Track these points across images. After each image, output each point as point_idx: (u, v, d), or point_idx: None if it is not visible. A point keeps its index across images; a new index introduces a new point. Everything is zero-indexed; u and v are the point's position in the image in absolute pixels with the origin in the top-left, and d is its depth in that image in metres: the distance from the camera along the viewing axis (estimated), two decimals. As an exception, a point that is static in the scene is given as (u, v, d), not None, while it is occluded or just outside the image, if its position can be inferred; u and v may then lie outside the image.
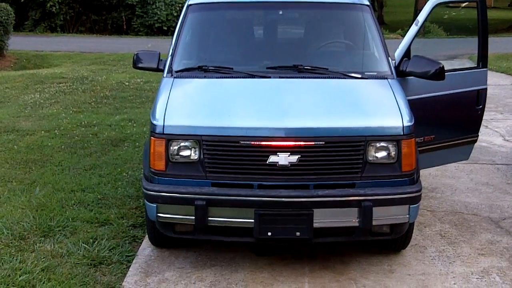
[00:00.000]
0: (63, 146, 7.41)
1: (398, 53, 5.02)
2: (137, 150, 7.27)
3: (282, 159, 3.94)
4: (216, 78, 4.59)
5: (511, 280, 4.28)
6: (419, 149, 4.67)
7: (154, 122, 4.12)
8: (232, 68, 4.67)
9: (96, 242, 4.71)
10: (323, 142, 3.97)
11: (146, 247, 4.72)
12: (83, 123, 8.67)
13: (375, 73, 4.69)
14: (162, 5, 26.06)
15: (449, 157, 5.66)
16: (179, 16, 5.27)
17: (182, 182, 4.04)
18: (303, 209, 3.96)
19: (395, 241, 4.52)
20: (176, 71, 4.71)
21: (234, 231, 4.14)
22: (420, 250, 4.75)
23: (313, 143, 3.97)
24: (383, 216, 4.03)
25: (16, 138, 7.80)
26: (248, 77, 4.56)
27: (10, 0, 23.09)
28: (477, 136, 5.63)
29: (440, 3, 5.12)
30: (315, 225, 3.98)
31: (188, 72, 4.71)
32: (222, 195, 3.97)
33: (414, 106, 4.40)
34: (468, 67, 5.59)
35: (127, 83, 12.32)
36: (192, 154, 4.04)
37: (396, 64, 4.92)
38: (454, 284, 4.23)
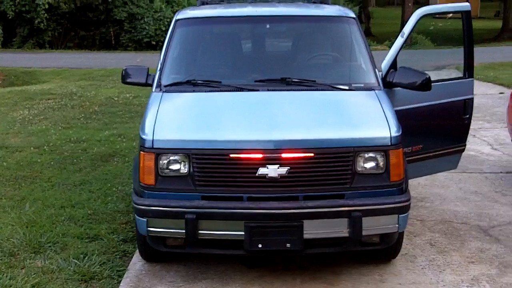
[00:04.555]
0: (52, 162, 7.40)
1: (385, 64, 5.06)
2: (127, 165, 7.27)
3: (272, 171, 3.95)
4: (205, 92, 4.61)
5: (501, 288, 4.32)
6: (407, 159, 4.70)
7: (144, 136, 4.14)
8: (220, 82, 4.70)
9: (86, 258, 4.70)
10: (312, 154, 4.00)
11: (136, 262, 4.71)
12: (72, 139, 8.66)
13: (362, 85, 4.73)
14: (151, 20, 26.12)
15: (437, 167, 5.69)
16: (167, 31, 5.30)
17: (172, 196, 4.05)
18: (293, 220, 3.98)
19: (385, 250, 4.54)
20: (165, 86, 4.73)
21: (224, 243, 4.15)
22: (411, 259, 4.77)
23: (302, 155, 3.99)
24: (372, 226, 4.06)
25: (5, 154, 7.78)
26: (236, 91, 4.59)
27: (-2, 17, 23.09)
28: (465, 145, 5.67)
29: (426, 14, 5.18)
30: (305, 236, 4.00)
31: (177, 86, 4.73)
32: (212, 208, 3.98)
33: (402, 117, 4.43)
34: (455, 77, 5.63)
35: (116, 98, 12.32)
36: (181, 168, 4.05)
37: (383, 75, 4.96)
38: (445, 292, 4.26)
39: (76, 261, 4.64)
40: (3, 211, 5.68)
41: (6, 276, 4.38)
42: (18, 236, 5.06)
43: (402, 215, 4.10)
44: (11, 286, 4.23)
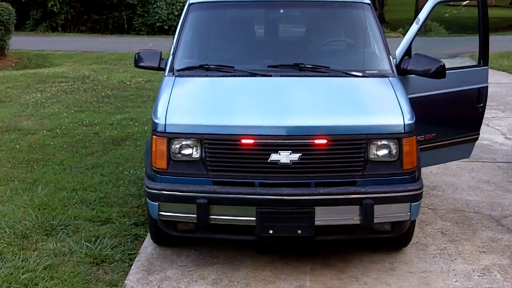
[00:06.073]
0: (64, 145, 7.42)
1: (399, 51, 5.03)
2: (139, 149, 7.29)
3: (284, 157, 3.94)
4: (218, 76, 4.60)
5: (512, 278, 4.30)
6: (420, 147, 4.68)
7: (156, 120, 4.13)
8: (233, 67, 4.68)
9: (98, 241, 4.72)
10: (325, 140, 3.98)
11: (148, 246, 4.73)
12: (84, 122, 8.69)
13: (376, 72, 4.70)
14: (163, 4, 26.08)
15: (450, 155, 5.66)
16: (180, 15, 5.28)
17: (184, 181, 4.05)
18: (304, 207, 3.97)
19: (396, 239, 4.53)
20: (178, 70, 4.72)
21: (235, 229, 4.15)
22: (422, 248, 4.76)
23: (314, 141, 3.97)
24: (384, 214, 4.04)
25: (18, 137, 7.81)
26: (249, 76, 4.57)
27: (11, 0, 23.12)
28: (478, 134, 5.64)
29: (441, 1, 5.12)
30: (317, 223, 3.99)
31: (190, 70, 4.72)
32: (224, 193, 3.98)
33: (415, 104, 4.40)
34: (469, 65, 5.59)
35: (128, 82, 12.34)
36: (193, 152, 4.05)
37: (397, 62, 4.93)
38: (456, 281, 4.24)
39: (87, 244, 4.66)
40: (16, 194, 5.71)
41: (19, 258, 4.41)
42: (30, 219, 5.09)
43: (414, 203, 4.08)
44: (23, 267, 4.26)
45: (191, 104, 4.36)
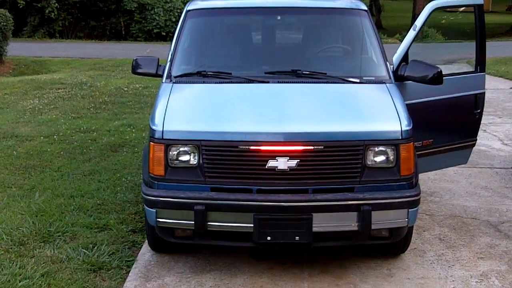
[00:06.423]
0: (62, 152, 7.42)
1: (396, 57, 5.04)
2: (136, 155, 7.28)
3: (281, 163, 3.94)
4: (215, 83, 4.60)
5: (510, 284, 4.29)
6: (418, 153, 4.68)
7: (153, 127, 4.13)
8: (230, 73, 4.68)
9: (95, 248, 4.72)
10: (322, 147, 3.99)
11: (145, 252, 4.72)
12: (82, 128, 8.68)
13: (373, 78, 4.71)
14: (161, 10, 26.12)
15: (447, 161, 5.67)
16: (177, 21, 5.29)
17: (181, 187, 4.05)
18: (302, 213, 3.97)
19: (394, 245, 4.52)
20: (175, 77, 4.72)
21: (233, 235, 4.15)
22: (419, 254, 4.75)
23: (312, 147, 3.98)
24: (382, 220, 4.04)
25: (15, 144, 7.80)
26: (246, 82, 4.58)
27: (9, 6, 23.13)
28: (476, 140, 5.65)
29: (438, 7, 5.14)
30: (314, 229, 3.99)
31: (187, 77, 4.73)
32: (221, 199, 3.97)
33: (413, 111, 4.41)
34: (466, 71, 5.60)
35: (126, 89, 12.33)
36: (191, 159, 4.05)
37: (394, 68, 4.94)
38: (453, 287, 4.24)
39: (85, 250, 4.65)
40: (13, 200, 5.70)
41: (16, 265, 4.40)
42: (28, 225, 5.08)
43: (411, 210, 4.09)
44: (20, 275, 4.25)
45: (189, 110, 4.37)
